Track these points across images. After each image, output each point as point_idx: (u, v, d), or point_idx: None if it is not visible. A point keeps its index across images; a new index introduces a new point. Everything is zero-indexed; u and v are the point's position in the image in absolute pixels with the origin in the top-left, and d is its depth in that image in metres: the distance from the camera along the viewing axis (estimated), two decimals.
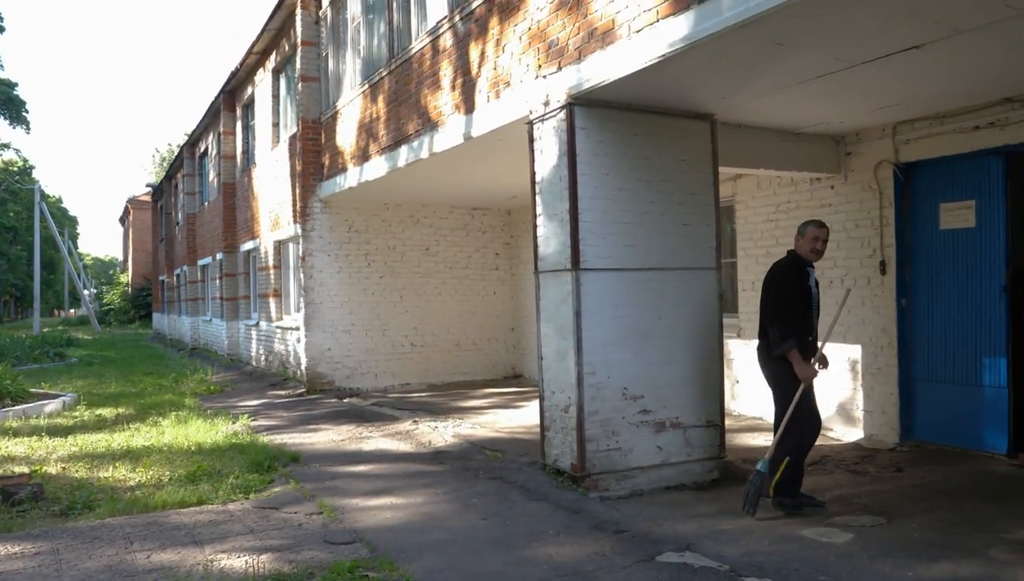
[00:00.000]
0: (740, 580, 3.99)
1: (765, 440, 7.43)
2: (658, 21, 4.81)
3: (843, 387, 7.59)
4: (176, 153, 28.40)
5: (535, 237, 6.09)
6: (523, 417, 9.06)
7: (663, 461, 5.94)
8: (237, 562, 4.27)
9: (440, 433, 8.16)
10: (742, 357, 8.78)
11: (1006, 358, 6.43)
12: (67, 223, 59.05)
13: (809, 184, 7.91)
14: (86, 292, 46.68)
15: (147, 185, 35.53)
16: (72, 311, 63.42)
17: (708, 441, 6.15)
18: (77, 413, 9.68)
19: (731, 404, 8.55)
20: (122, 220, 54.29)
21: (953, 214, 6.73)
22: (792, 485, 5.13)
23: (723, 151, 6.45)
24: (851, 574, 4.03)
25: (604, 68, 5.33)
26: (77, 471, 6.45)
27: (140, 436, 7.94)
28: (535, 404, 6.66)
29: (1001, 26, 4.34)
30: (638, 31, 4.99)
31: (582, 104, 5.73)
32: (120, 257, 64.90)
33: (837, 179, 7.64)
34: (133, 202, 46.86)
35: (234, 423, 8.84)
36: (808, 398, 5.12)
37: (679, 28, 4.62)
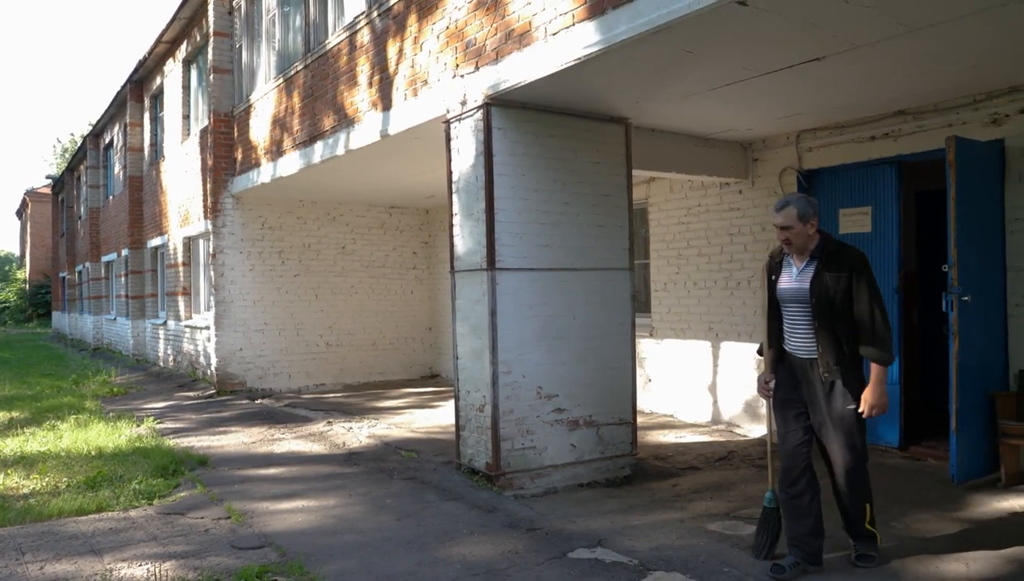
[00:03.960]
0: (649, 574, 4.09)
1: (676, 437, 7.64)
2: (574, 25, 4.88)
3: (748, 385, 7.86)
4: (79, 144, 27.06)
5: (451, 236, 6.08)
6: (439, 417, 9.04)
7: (577, 459, 6.03)
8: (138, 571, 4.11)
9: (355, 434, 8.06)
10: (654, 356, 9.00)
11: (898, 356, 6.79)
12: None
13: (719, 188, 8.17)
14: None
15: (47, 177, 33.80)
16: None
17: (621, 439, 6.27)
18: None
19: (643, 402, 8.75)
20: (19, 213, 51.36)
21: (851, 219, 7.06)
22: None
23: (637, 154, 6.60)
24: (753, 565, 4.18)
25: (521, 69, 5.37)
26: None
27: (35, 441, 7.54)
28: (451, 404, 6.66)
29: (893, 42, 4.59)
30: (554, 34, 5.05)
31: (499, 104, 5.76)
32: (17, 252, 61.38)
33: (745, 184, 7.91)
34: (32, 195, 44.36)
35: (138, 426, 8.50)
36: (777, 422, 4.28)
37: (594, 32, 4.70)
